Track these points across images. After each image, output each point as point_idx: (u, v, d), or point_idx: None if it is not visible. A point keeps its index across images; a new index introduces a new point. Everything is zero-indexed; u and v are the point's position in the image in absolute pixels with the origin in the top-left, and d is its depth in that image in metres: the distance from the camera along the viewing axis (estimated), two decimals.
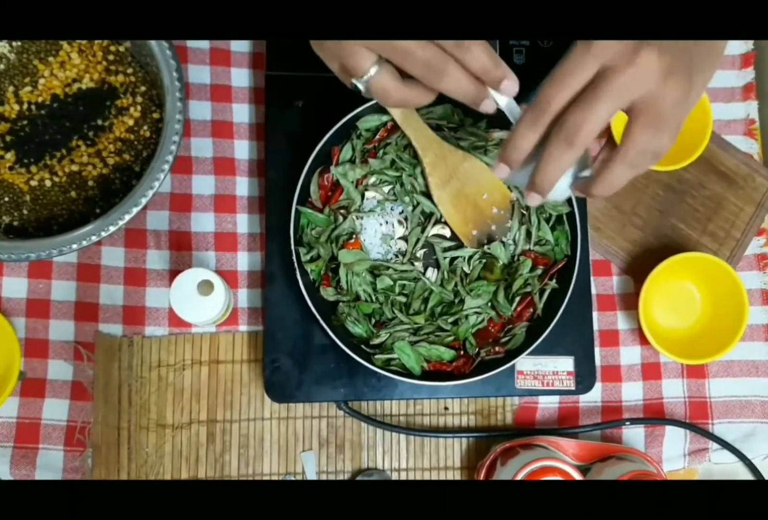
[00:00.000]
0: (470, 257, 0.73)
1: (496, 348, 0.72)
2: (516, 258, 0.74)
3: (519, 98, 0.75)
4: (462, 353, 0.73)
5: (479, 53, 0.51)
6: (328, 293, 0.72)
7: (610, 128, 0.79)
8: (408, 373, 0.71)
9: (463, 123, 0.75)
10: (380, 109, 0.73)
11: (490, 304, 0.73)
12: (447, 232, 0.74)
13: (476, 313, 0.72)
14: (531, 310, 0.74)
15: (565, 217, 0.75)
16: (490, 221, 0.72)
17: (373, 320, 0.72)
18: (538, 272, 0.74)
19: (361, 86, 0.54)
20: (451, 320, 0.72)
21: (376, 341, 0.71)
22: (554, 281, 0.74)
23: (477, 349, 0.72)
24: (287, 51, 0.78)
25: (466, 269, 0.73)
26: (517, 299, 0.73)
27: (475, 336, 0.72)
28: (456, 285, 0.72)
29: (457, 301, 0.73)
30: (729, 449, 0.79)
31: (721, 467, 0.80)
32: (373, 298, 0.72)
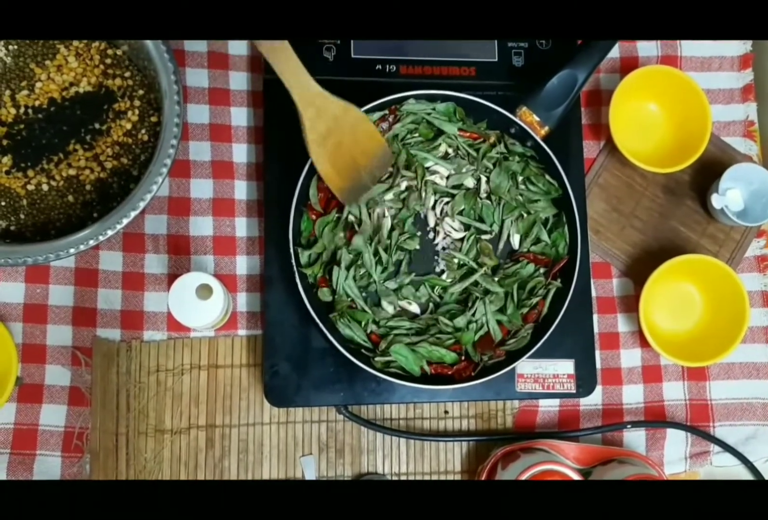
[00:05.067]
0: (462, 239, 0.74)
1: (497, 350, 0.72)
2: (508, 260, 0.74)
3: (518, 101, 0.76)
4: (464, 357, 0.72)
5: None
6: (324, 294, 0.72)
7: (610, 130, 0.79)
8: (408, 376, 0.70)
9: (464, 122, 0.75)
10: (378, 108, 0.73)
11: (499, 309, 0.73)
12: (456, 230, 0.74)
13: (481, 325, 0.72)
14: (537, 311, 0.73)
15: (564, 219, 0.75)
16: (363, 172, 0.70)
17: (369, 329, 0.72)
18: (541, 271, 0.74)
19: None
20: (461, 323, 0.71)
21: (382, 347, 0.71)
22: (558, 280, 0.73)
23: (480, 356, 0.71)
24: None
25: (460, 256, 0.73)
26: (525, 310, 0.73)
27: (475, 345, 0.72)
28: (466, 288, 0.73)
29: (470, 301, 0.73)
30: (730, 451, 0.79)
31: (723, 470, 0.80)
32: (361, 304, 0.71)
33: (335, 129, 0.66)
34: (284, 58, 0.62)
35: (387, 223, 0.72)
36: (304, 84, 0.63)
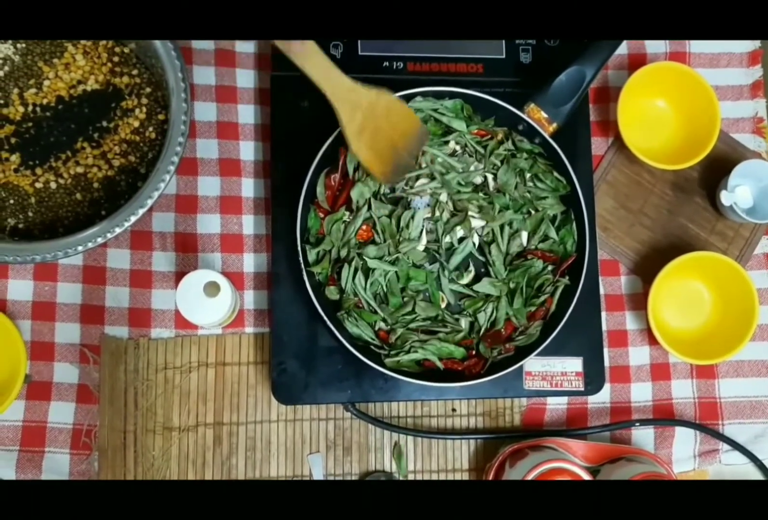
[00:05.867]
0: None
1: (506, 345, 0.72)
2: (516, 258, 0.74)
3: (525, 98, 0.76)
4: (474, 352, 0.72)
5: None
6: (332, 292, 0.72)
7: (618, 127, 0.79)
8: (415, 374, 0.70)
9: (472, 119, 0.75)
10: None
11: (505, 302, 0.73)
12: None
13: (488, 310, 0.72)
14: (545, 308, 0.73)
15: (572, 217, 0.74)
16: (404, 152, 0.70)
17: (378, 327, 0.72)
18: (549, 268, 0.74)
19: None
20: (471, 309, 0.72)
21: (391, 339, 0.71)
22: (566, 277, 0.73)
23: (489, 351, 0.71)
24: None
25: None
26: (533, 309, 0.73)
27: (485, 339, 0.72)
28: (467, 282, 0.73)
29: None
30: (740, 450, 0.79)
31: (732, 468, 0.80)
32: (373, 305, 0.71)
33: (370, 117, 0.66)
34: (313, 60, 0.62)
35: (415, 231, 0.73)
36: (336, 82, 0.64)
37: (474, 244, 0.74)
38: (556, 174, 0.75)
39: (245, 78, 0.82)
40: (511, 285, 0.73)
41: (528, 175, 0.75)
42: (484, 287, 0.73)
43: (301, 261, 0.70)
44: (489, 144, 0.75)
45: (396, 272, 0.72)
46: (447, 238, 0.74)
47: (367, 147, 0.67)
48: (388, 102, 0.67)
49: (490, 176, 0.75)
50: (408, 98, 0.73)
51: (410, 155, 0.70)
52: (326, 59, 0.63)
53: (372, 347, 0.71)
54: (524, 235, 0.75)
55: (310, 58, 0.62)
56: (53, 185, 0.73)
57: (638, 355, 0.81)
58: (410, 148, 0.70)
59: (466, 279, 0.74)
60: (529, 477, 0.67)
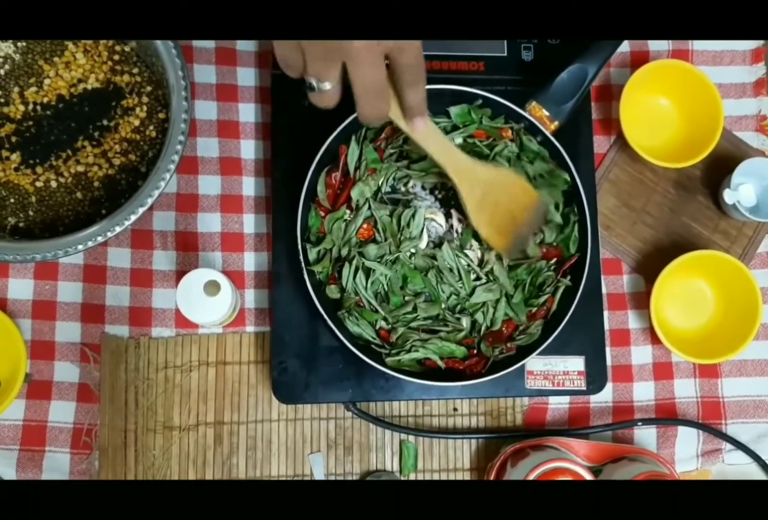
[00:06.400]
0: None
1: (508, 345, 0.71)
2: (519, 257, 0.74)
3: (527, 96, 0.76)
4: (475, 351, 0.72)
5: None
6: (332, 291, 0.71)
7: (620, 125, 0.78)
8: (417, 373, 0.70)
9: (481, 121, 0.75)
10: None
11: (504, 303, 0.72)
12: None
13: (487, 308, 0.72)
14: (546, 307, 0.73)
15: (574, 215, 0.74)
16: (523, 225, 0.71)
17: (378, 326, 0.72)
18: (551, 266, 0.73)
19: (316, 85, 0.54)
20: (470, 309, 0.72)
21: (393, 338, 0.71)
22: (568, 278, 0.73)
23: (491, 350, 0.71)
24: None
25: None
26: (533, 308, 0.73)
27: (486, 338, 0.72)
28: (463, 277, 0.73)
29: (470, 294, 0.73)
30: (743, 449, 0.78)
31: (735, 468, 0.79)
32: (374, 304, 0.71)
33: (489, 192, 0.68)
34: (434, 139, 0.64)
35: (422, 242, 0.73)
36: (456, 160, 0.66)
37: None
38: (556, 170, 0.75)
39: (246, 76, 0.81)
40: (512, 284, 0.73)
41: (531, 174, 0.75)
42: (480, 297, 0.72)
43: (302, 260, 0.70)
44: (497, 145, 0.74)
45: (396, 271, 0.72)
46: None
47: (487, 222, 0.70)
48: (506, 176, 0.69)
49: None
50: None
51: (530, 228, 0.72)
52: (445, 138, 0.65)
53: (373, 346, 0.71)
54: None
55: (431, 137, 0.64)
56: (54, 184, 0.73)
57: (641, 354, 0.80)
58: (530, 221, 0.71)
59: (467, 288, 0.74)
60: (531, 477, 0.67)
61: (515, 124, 0.75)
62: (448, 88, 0.73)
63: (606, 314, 0.80)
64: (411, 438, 0.77)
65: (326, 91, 0.54)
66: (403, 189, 0.75)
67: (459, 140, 0.75)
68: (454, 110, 0.74)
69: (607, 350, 0.78)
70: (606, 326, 0.79)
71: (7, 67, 0.74)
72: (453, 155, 0.66)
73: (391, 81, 0.57)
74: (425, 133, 0.63)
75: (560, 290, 0.73)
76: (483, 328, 0.72)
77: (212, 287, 0.68)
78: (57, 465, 0.73)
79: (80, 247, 0.67)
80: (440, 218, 0.74)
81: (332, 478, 0.76)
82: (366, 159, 0.73)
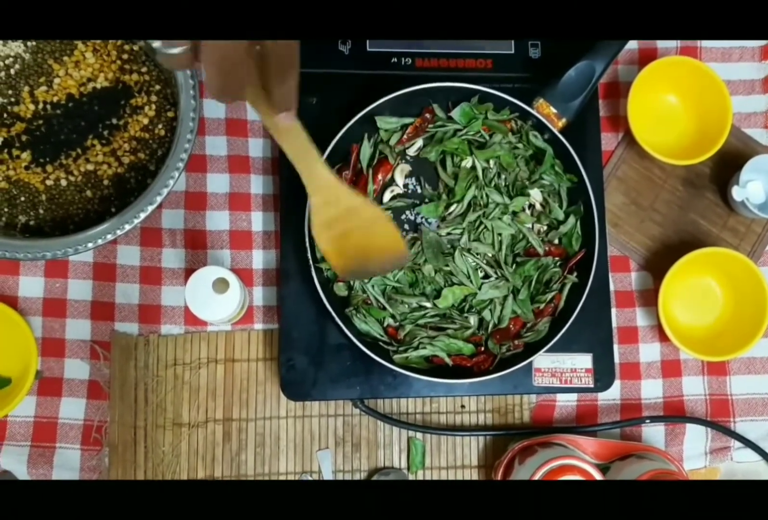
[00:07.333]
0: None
1: (515, 342, 0.72)
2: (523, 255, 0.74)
3: (535, 93, 0.76)
4: (483, 349, 0.72)
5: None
6: (340, 289, 0.72)
7: (628, 122, 0.78)
8: (424, 370, 0.70)
9: (486, 116, 0.75)
10: (396, 110, 0.73)
11: (512, 300, 0.72)
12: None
13: (492, 306, 0.72)
14: (553, 305, 0.73)
15: (581, 212, 0.74)
16: (372, 263, 0.66)
17: (386, 323, 0.72)
18: (558, 263, 0.73)
19: (162, 48, 0.49)
20: (475, 308, 0.72)
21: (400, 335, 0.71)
22: (574, 274, 0.73)
23: (498, 347, 0.71)
24: (301, 47, 0.78)
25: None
26: (540, 305, 0.73)
27: (494, 335, 0.72)
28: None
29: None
30: (752, 447, 0.78)
31: (744, 465, 0.79)
32: (381, 301, 0.71)
33: (345, 219, 0.62)
34: (296, 143, 0.58)
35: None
36: (313, 170, 0.60)
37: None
38: (557, 169, 0.75)
39: None
40: (520, 280, 0.73)
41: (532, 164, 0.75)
42: (486, 294, 0.72)
43: (310, 257, 0.70)
44: (494, 134, 0.74)
45: (404, 271, 0.72)
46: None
47: (329, 241, 0.64)
48: (373, 214, 0.63)
49: (492, 161, 0.74)
50: (418, 94, 0.73)
51: (380, 269, 0.68)
52: (308, 144, 0.58)
53: (381, 343, 0.71)
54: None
55: (293, 137, 0.58)
56: (64, 182, 0.73)
57: (649, 351, 0.80)
58: (383, 264, 0.67)
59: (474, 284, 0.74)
60: (539, 474, 0.67)
61: (523, 122, 0.75)
62: (455, 85, 0.73)
63: (614, 311, 0.80)
64: (419, 435, 0.77)
65: (172, 55, 0.49)
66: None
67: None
68: (455, 112, 0.74)
69: (615, 347, 0.78)
70: (614, 324, 0.78)
71: (17, 66, 0.74)
72: (313, 164, 0.59)
73: (260, 67, 0.53)
74: (287, 131, 0.57)
75: (567, 287, 0.73)
76: (490, 325, 0.72)
77: (221, 285, 0.68)
78: (67, 461, 0.74)
79: (90, 245, 0.68)
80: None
81: (340, 475, 0.77)
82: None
